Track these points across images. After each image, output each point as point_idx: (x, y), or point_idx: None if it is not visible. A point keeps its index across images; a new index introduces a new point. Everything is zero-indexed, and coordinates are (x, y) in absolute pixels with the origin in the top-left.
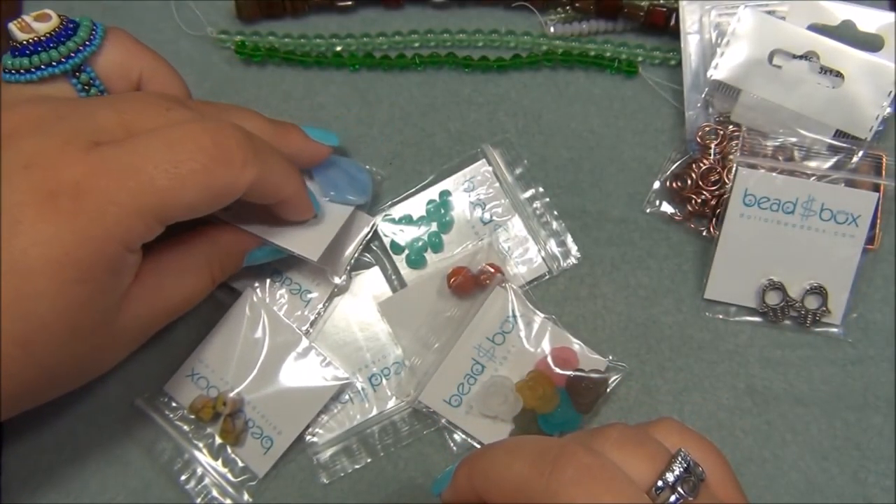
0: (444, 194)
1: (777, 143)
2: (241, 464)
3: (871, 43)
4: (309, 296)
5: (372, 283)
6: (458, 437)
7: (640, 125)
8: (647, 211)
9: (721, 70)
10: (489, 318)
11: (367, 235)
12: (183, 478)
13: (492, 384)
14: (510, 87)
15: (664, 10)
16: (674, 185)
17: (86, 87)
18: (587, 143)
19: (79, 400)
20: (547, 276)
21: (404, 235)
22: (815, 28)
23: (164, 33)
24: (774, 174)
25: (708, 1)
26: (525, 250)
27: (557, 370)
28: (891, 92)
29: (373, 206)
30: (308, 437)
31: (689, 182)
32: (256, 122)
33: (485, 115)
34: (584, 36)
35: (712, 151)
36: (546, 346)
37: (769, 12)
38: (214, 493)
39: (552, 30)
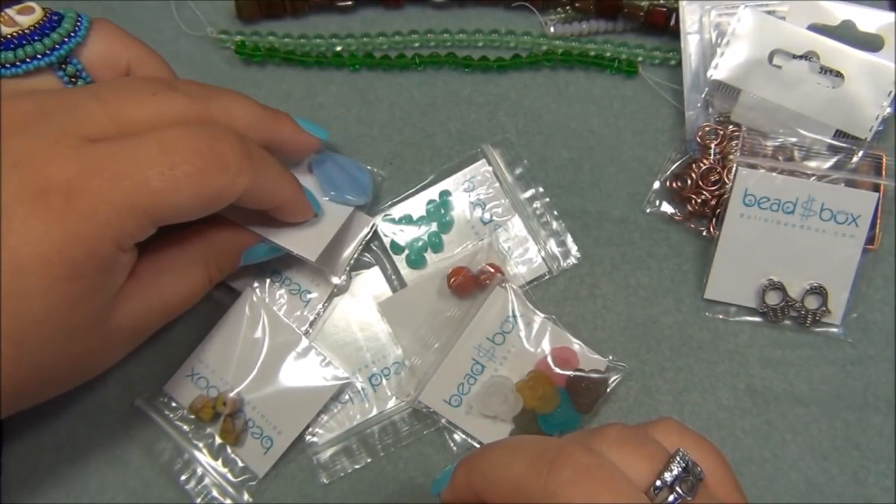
0: (444, 194)
1: (777, 143)
2: (241, 464)
3: (871, 43)
4: (308, 296)
5: (372, 283)
6: (458, 437)
7: (640, 125)
8: (647, 211)
9: (721, 70)
10: (489, 318)
11: (366, 236)
12: (183, 478)
13: (492, 384)
14: (510, 87)
15: (664, 10)
16: (674, 185)
17: (72, 80)
18: (587, 143)
19: (79, 400)
20: (547, 276)
21: (404, 235)
22: (815, 28)
23: (164, 33)
24: (774, 174)
25: (708, 1)
26: (525, 250)
27: (557, 370)
28: (891, 92)
29: (373, 206)
30: (308, 437)
31: (689, 182)
32: (247, 106)
33: (485, 115)
34: (584, 36)
35: (712, 151)
36: (546, 346)
37: (769, 12)
38: (214, 493)
39: (552, 30)
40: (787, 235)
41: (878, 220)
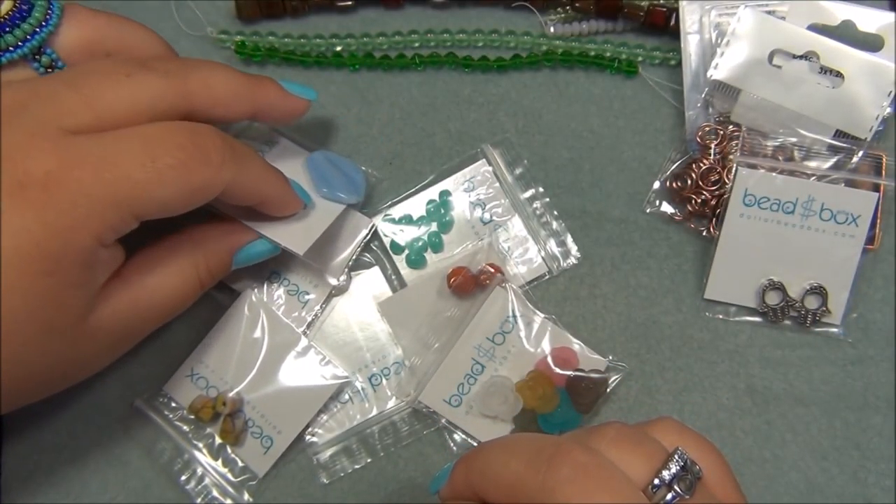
0: (444, 194)
1: (777, 143)
2: (241, 464)
3: (871, 43)
4: (307, 297)
5: (372, 283)
6: (457, 437)
7: (640, 125)
8: (647, 211)
9: (721, 70)
10: (489, 318)
11: (365, 237)
12: (183, 478)
13: (492, 384)
14: (510, 87)
15: (664, 10)
16: (674, 185)
17: (48, 70)
18: (587, 143)
19: (78, 400)
20: (547, 276)
21: (404, 235)
22: (815, 28)
23: (164, 33)
24: (774, 174)
25: (708, 1)
26: (525, 250)
27: (557, 370)
28: (891, 92)
29: (372, 207)
30: (308, 437)
31: (689, 182)
32: (227, 76)
33: (485, 115)
34: (584, 36)
35: (712, 151)
36: (546, 346)
37: (769, 12)
38: (214, 493)
39: (552, 30)
40: (787, 235)
41: (878, 220)
